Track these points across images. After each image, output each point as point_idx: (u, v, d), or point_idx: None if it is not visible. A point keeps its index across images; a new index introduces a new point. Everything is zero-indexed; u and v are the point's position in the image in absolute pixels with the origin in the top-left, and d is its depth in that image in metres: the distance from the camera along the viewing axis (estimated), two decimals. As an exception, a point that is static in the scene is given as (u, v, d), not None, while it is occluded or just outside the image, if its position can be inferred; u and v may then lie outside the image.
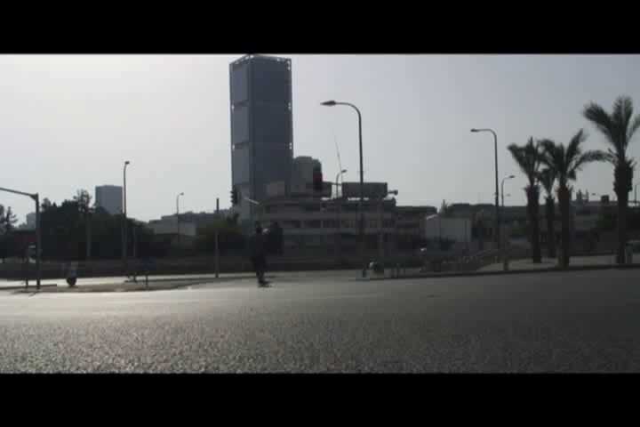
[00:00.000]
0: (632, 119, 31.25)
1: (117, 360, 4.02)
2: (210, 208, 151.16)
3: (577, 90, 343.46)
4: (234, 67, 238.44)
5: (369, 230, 41.60)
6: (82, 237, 72.49)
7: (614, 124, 31.09)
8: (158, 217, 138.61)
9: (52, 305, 12.97)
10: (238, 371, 3.56)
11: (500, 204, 52.19)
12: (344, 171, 60.00)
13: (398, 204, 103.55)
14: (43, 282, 30.61)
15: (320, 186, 39.92)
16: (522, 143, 42.15)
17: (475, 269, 33.35)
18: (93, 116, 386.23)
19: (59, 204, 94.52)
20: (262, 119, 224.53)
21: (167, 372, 3.58)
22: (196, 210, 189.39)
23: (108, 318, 7.41)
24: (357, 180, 36.44)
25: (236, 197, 47.81)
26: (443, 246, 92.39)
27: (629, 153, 31.34)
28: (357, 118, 33.61)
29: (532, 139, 41.10)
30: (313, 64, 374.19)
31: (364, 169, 34.27)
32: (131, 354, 4.27)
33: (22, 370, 3.73)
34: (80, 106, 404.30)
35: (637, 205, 65.29)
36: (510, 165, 44.68)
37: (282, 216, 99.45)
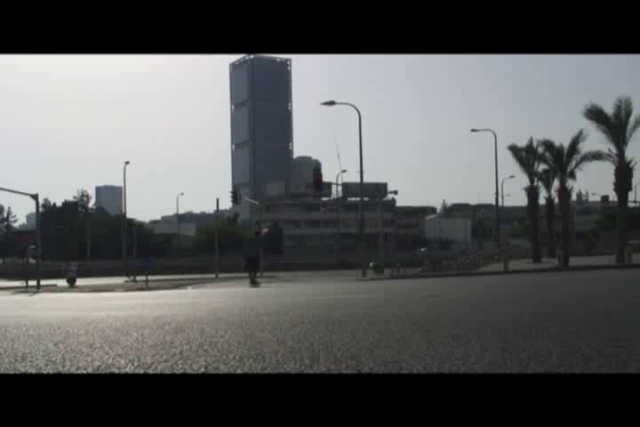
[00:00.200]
0: (632, 119, 31.27)
1: (117, 360, 4.02)
2: (210, 208, 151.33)
3: (577, 90, 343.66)
4: (234, 67, 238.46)
5: (369, 230, 41.59)
6: (82, 237, 72.48)
7: (614, 124, 31.09)
8: (158, 217, 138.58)
9: (52, 305, 12.97)
10: (238, 371, 3.56)
11: (500, 204, 52.21)
12: (344, 171, 60.01)
13: (398, 204, 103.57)
14: (43, 282, 30.60)
15: (320, 186, 39.90)
16: (522, 143, 42.20)
17: (475, 269, 33.35)
18: (93, 116, 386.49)
19: (59, 204, 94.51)
20: (262, 119, 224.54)
21: (167, 372, 3.58)
22: (196, 210, 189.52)
23: (107, 318, 7.41)
24: (357, 180, 36.46)
25: (236, 197, 47.78)
26: (443, 246, 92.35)
27: (629, 153, 31.39)
28: (357, 118, 33.64)
29: (531, 139, 41.15)
30: (313, 64, 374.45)
31: (364, 169, 34.30)
32: (131, 354, 4.27)
33: (22, 370, 3.73)
34: (80, 106, 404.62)
35: (637, 205, 65.28)
36: (510, 165, 44.71)
37: (282, 216, 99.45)
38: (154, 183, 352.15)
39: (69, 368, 3.77)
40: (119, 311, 9.00)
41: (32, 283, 30.21)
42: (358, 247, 41.51)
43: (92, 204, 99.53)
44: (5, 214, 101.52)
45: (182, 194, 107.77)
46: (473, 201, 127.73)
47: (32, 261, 35.67)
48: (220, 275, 40.67)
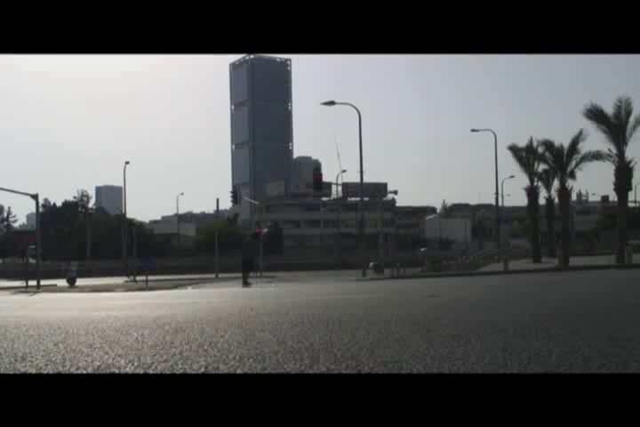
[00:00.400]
0: (632, 119, 31.27)
1: (117, 360, 4.02)
2: (210, 208, 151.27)
3: (577, 90, 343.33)
4: (234, 67, 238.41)
5: (369, 230, 41.61)
6: (82, 237, 72.46)
7: (614, 124, 31.10)
8: (158, 217, 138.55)
9: (52, 305, 12.97)
10: (238, 371, 3.56)
11: (500, 204, 52.21)
12: (344, 171, 59.95)
13: (398, 204, 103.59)
14: (43, 282, 30.61)
15: (320, 186, 39.91)
16: (522, 143, 42.20)
17: (475, 269, 33.35)
18: (93, 116, 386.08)
19: (59, 204, 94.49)
20: (262, 119, 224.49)
21: (167, 372, 3.58)
22: (196, 210, 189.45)
23: (107, 318, 7.41)
24: (357, 180, 36.46)
25: (236, 197, 47.78)
26: (443, 246, 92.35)
27: (629, 153, 31.39)
28: (357, 118, 33.65)
29: (531, 139, 41.16)
30: (313, 64, 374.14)
31: (364, 169, 34.29)
32: (131, 354, 4.27)
33: (22, 370, 3.73)
34: (80, 106, 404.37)
35: (637, 205, 65.28)
36: (510, 165, 44.69)
37: (282, 216, 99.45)
38: (154, 183, 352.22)
39: (69, 368, 3.77)
40: (119, 311, 9.00)
41: (32, 283, 30.21)
42: (358, 247, 41.52)
43: (92, 204, 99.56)
44: (5, 214, 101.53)
45: (182, 194, 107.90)
46: (473, 201, 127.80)
47: (32, 261, 35.67)
48: (219, 275, 40.66)
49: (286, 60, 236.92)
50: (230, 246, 53.81)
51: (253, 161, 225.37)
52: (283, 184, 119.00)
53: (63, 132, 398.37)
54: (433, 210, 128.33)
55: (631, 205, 51.54)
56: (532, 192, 42.03)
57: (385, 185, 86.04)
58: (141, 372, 3.61)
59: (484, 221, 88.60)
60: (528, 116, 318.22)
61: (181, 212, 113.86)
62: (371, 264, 33.99)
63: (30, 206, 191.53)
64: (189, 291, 21.73)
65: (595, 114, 31.74)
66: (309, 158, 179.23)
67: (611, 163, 31.40)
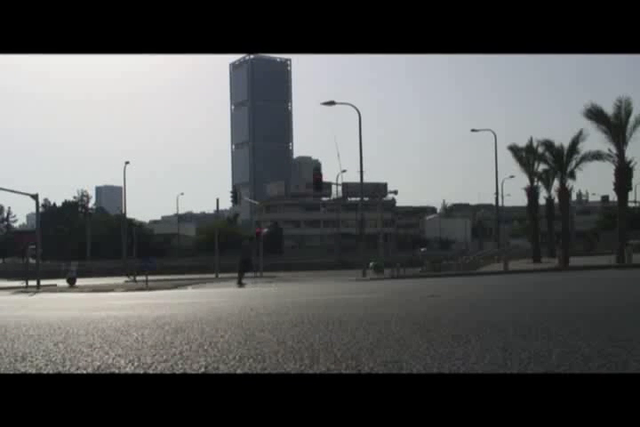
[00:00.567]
0: (632, 119, 31.27)
1: (117, 360, 4.02)
2: (210, 208, 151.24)
3: (577, 90, 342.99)
4: (234, 67, 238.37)
5: (369, 230, 41.59)
6: (82, 237, 72.47)
7: (614, 124, 31.10)
8: (158, 217, 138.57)
9: (52, 305, 12.97)
10: (238, 371, 3.56)
11: (500, 204, 52.17)
12: (344, 171, 59.93)
13: (398, 204, 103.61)
14: (43, 282, 30.61)
15: (320, 186, 39.89)
16: (522, 143, 42.20)
17: (475, 269, 33.35)
18: (93, 116, 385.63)
19: (59, 204, 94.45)
20: (262, 119, 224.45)
21: (167, 372, 3.58)
22: (196, 210, 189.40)
23: (107, 318, 7.41)
24: (357, 180, 36.46)
25: (236, 197, 47.77)
26: (443, 246, 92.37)
27: (629, 153, 31.40)
28: (357, 118, 33.65)
29: (531, 139, 41.17)
30: (313, 64, 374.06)
31: (364, 169, 34.29)
32: (131, 354, 4.27)
33: (22, 370, 3.73)
34: (80, 106, 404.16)
35: (637, 205, 65.27)
36: (510, 165, 44.71)
37: (282, 216, 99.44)
38: (154, 183, 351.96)
39: (69, 368, 3.77)
40: (119, 311, 9.00)
41: (32, 283, 30.21)
42: (358, 247, 41.50)
43: (92, 204, 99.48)
44: (5, 214, 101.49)
45: (182, 194, 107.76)
46: (473, 201, 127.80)
47: (32, 261, 35.67)
48: (219, 275, 40.66)
49: (286, 60, 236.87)
50: (230, 246, 53.81)
51: (253, 161, 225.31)
52: (283, 184, 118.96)
53: (63, 132, 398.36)
54: (433, 210, 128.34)
55: (631, 205, 51.53)
56: (531, 192, 42.04)
57: (385, 185, 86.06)
58: (141, 372, 3.61)
59: (484, 221, 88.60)
60: (528, 116, 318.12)
61: (181, 212, 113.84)
62: (371, 264, 33.99)
63: (30, 206, 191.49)
64: (189, 291, 21.73)
65: (595, 114, 31.74)
66: (309, 158, 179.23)
67: (611, 163, 31.43)
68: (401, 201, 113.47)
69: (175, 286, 26.50)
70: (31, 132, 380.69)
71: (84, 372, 3.65)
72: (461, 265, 34.38)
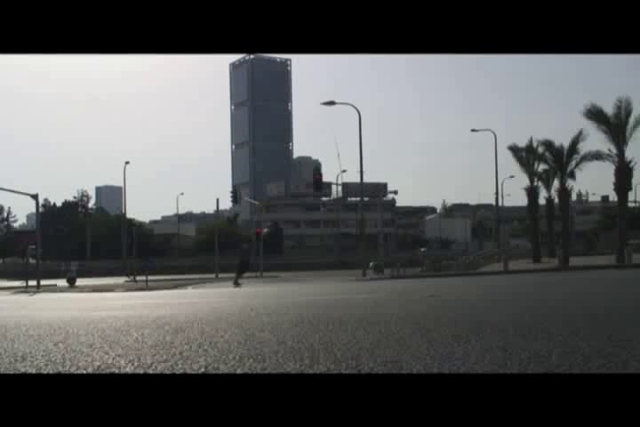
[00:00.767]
0: (632, 119, 31.31)
1: (117, 360, 4.02)
2: (210, 208, 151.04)
3: (577, 90, 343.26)
4: (234, 67, 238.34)
5: (369, 230, 41.62)
6: (82, 237, 72.46)
7: (614, 125, 31.12)
8: (158, 217, 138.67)
9: (52, 305, 12.97)
10: (238, 371, 3.56)
11: (500, 204, 52.17)
12: (344, 171, 59.98)
13: (398, 204, 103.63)
14: (43, 282, 30.61)
15: (320, 186, 39.90)
16: (522, 143, 42.26)
17: (475, 269, 33.35)
18: (93, 116, 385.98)
19: (59, 204, 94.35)
20: (262, 119, 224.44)
21: (167, 372, 3.58)
22: (196, 210, 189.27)
23: (107, 318, 7.41)
24: (357, 180, 36.47)
25: (235, 197, 47.78)
26: (443, 246, 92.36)
27: (629, 153, 31.43)
28: (357, 118, 33.66)
29: (531, 139, 41.22)
30: (313, 64, 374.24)
31: (364, 169, 34.31)
32: (131, 354, 4.27)
33: (22, 370, 3.73)
34: (80, 106, 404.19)
35: (637, 205, 65.28)
36: (510, 165, 44.75)
37: (282, 216, 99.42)
38: (154, 183, 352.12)
39: (69, 368, 3.77)
40: (119, 311, 9.00)
41: (32, 283, 30.21)
42: (358, 247, 41.51)
43: (91, 204, 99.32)
44: (5, 214, 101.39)
45: (182, 194, 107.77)
46: (473, 201, 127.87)
47: (32, 261, 35.66)
48: (219, 275, 40.68)
49: (286, 60, 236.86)
50: (230, 246, 53.81)
51: (253, 161, 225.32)
52: (283, 184, 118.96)
53: (63, 132, 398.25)
54: (433, 210, 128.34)
55: (631, 205, 51.53)
56: (531, 192, 42.06)
57: (385, 185, 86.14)
58: (141, 372, 3.61)
59: (484, 221, 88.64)
60: (528, 116, 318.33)
61: (181, 212, 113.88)
62: (371, 264, 34.00)
63: (30, 206, 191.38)
64: (189, 291, 21.73)
65: (595, 114, 31.76)
66: (309, 158, 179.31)
67: (611, 163, 31.46)
68: (401, 201, 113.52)
69: (175, 286, 26.51)
70: (31, 133, 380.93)
71: (84, 372, 3.65)
72: (461, 265, 34.39)
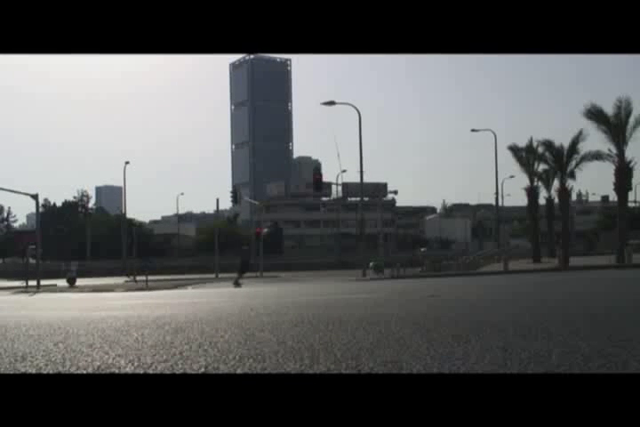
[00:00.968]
0: (632, 119, 31.33)
1: (117, 360, 4.02)
2: (210, 208, 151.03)
3: (577, 90, 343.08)
4: (234, 67, 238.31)
5: (369, 230, 41.63)
6: (82, 237, 72.47)
7: (614, 125, 31.13)
8: (158, 217, 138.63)
9: (52, 305, 12.97)
10: (238, 371, 3.56)
11: (500, 204, 52.17)
12: (344, 171, 59.97)
13: (398, 204, 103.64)
14: (43, 282, 30.62)
15: (320, 186, 39.91)
16: (522, 143, 42.28)
17: (475, 269, 33.36)
18: (93, 116, 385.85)
19: (59, 204, 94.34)
20: (262, 119, 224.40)
21: (167, 372, 3.58)
22: (196, 210, 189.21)
23: (107, 318, 7.41)
24: (357, 180, 36.49)
25: (235, 197, 47.78)
26: (443, 246, 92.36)
27: (629, 153, 31.45)
28: (357, 118, 33.66)
29: (531, 139, 41.24)
30: (313, 64, 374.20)
31: (363, 169, 34.31)
32: (131, 354, 4.27)
33: (22, 370, 3.73)
34: (80, 106, 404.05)
35: (637, 205, 65.28)
36: (510, 165, 44.77)
37: (282, 216, 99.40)
38: (154, 183, 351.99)
39: (69, 368, 3.77)
40: (119, 311, 9.00)
41: (32, 283, 30.22)
42: (358, 247, 41.51)
43: (91, 204, 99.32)
44: (5, 214, 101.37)
45: (182, 194, 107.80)
46: (473, 201, 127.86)
47: (32, 261, 35.68)
48: (220, 275, 40.68)
49: (286, 60, 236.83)
50: (230, 246, 53.84)
51: (253, 161, 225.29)
52: (283, 184, 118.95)
53: (63, 132, 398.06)
54: (433, 210, 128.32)
55: (631, 205, 51.53)
56: (531, 192, 42.07)
57: (385, 185, 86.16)
58: (141, 372, 3.61)
59: (484, 221, 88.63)
60: (528, 116, 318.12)
61: (181, 212, 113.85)
62: (371, 264, 34.01)
63: (30, 206, 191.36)
64: (189, 291, 21.73)
65: (595, 114, 31.78)
66: (309, 158, 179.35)
67: (611, 163, 31.47)
68: (401, 201, 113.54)
69: (175, 286, 26.52)
70: (31, 132, 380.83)
71: (84, 372, 3.65)
72: (461, 265, 34.40)
